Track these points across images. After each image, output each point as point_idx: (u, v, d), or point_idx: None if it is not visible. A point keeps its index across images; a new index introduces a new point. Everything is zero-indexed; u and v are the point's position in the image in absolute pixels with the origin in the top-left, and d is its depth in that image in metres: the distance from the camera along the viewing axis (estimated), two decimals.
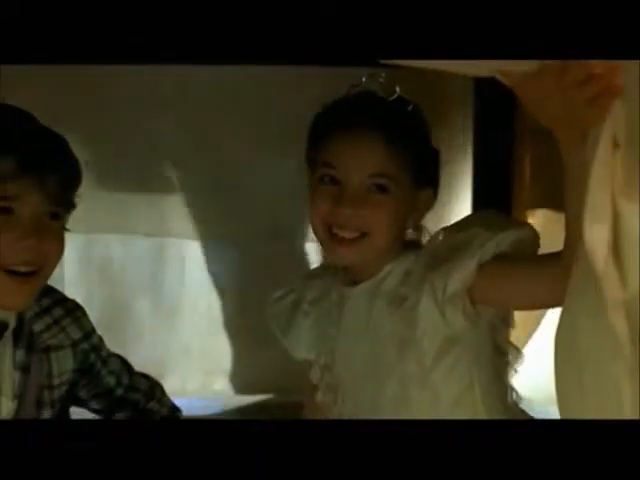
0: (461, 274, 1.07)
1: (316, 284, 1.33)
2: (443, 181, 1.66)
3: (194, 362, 2.17)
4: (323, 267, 1.36)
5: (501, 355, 1.20)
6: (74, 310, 1.33)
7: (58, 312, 1.31)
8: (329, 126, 1.15)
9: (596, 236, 0.87)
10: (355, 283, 1.22)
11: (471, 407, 1.20)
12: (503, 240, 1.04)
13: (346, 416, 1.30)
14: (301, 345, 1.35)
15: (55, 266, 1.23)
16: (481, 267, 1.06)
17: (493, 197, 2.00)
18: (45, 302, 1.29)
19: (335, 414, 1.31)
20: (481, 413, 1.19)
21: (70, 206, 1.26)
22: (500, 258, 1.05)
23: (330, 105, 1.18)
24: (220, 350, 2.21)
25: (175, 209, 2.14)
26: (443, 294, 1.09)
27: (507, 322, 1.19)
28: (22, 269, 1.16)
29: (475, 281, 1.07)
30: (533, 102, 0.94)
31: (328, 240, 1.18)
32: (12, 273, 1.16)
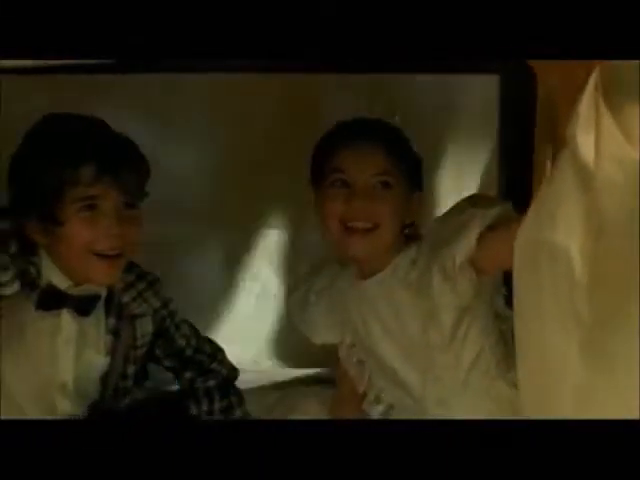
0: (466, 246, 1.27)
1: (321, 276, 1.53)
2: (470, 169, 1.87)
3: (246, 340, 2.15)
4: (325, 261, 1.53)
5: (502, 321, 1.41)
6: (154, 283, 1.52)
7: (141, 285, 1.50)
8: (335, 141, 1.36)
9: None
10: (365, 277, 1.42)
11: (485, 368, 1.40)
12: (492, 214, 1.25)
13: (375, 386, 1.49)
14: (318, 331, 1.53)
15: (135, 249, 1.40)
16: (479, 238, 1.26)
17: (516, 185, 2.06)
18: (130, 277, 1.49)
19: (365, 386, 1.50)
20: (492, 373, 1.40)
21: (143, 195, 1.40)
22: (492, 228, 1.25)
23: (334, 127, 1.39)
24: (270, 329, 2.23)
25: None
26: (453, 266, 1.30)
27: (501, 292, 1.40)
28: (109, 252, 1.36)
29: (476, 251, 1.27)
30: None
31: (343, 234, 1.37)
32: (101, 256, 1.36)
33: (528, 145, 1.68)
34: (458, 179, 2.06)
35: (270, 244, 2.22)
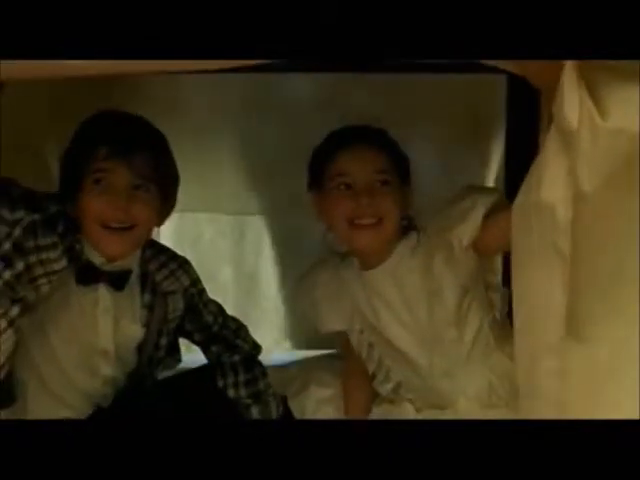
0: (471, 228, 1.38)
1: (324, 268, 1.62)
2: (477, 168, 1.92)
3: (268, 321, 2.21)
4: (327, 254, 1.62)
5: (497, 297, 1.55)
6: (184, 264, 1.63)
7: (173, 266, 1.61)
8: (334, 149, 1.47)
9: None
10: (370, 267, 1.52)
11: (485, 342, 1.52)
12: (492, 199, 1.37)
13: (384, 366, 1.59)
14: (324, 319, 1.62)
15: (147, 227, 1.50)
16: (482, 222, 1.38)
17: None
18: (163, 258, 1.60)
19: (375, 367, 1.61)
20: (491, 346, 1.52)
21: (156, 181, 1.47)
22: (492, 213, 1.37)
23: (328, 136, 1.50)
24: (291, 311, 2.24)
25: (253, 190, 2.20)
26: (460, 248, 1.42)
27: (494, 272, 1.53)
28: (114, 225, 1.45)
29: (480, 233, 1.39)
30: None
31: (351, 231, 1.47)
32: (110, 229, 1.45)
33: (535, 145, 1.67)
34: (464, 178, 2.02)
35: (291, 236, 2.25)
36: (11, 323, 1.41)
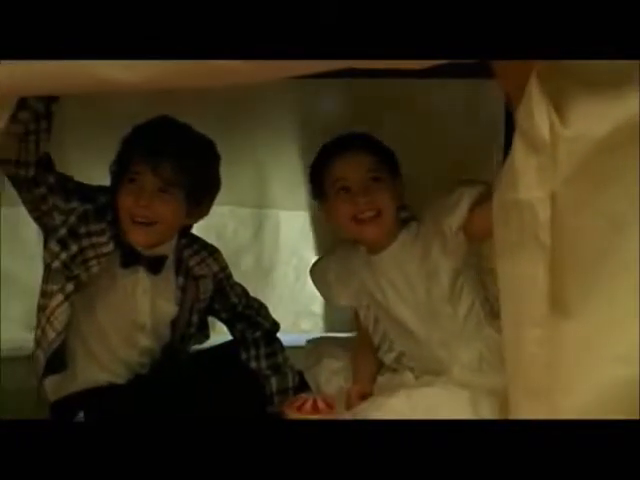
0: (459, 216, 1.55)
1: (337, 252, 1.81)
2: (476, 171, 2.00)
3: (284, 306, 2.25)
4: (339, 241, 1.80)
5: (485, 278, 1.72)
6: (214, 252, 1.80)
7: (204, 254, 1.78)
8: (329, 158, 1.65)
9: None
10: (376, 252, 1.70)
11: (476, 319, 1.69)
12: (478, 190, 1.54)
13: (388, 338, 1.77)
14: (335, 296, 1.82)
15: (170, 224, 1.66)
16: (470, 210, 1.54)
17: None
18: (195, 247, 1.77)
19: (380, 339, 1.79)
20: (482, 322, 1.69)
21: (181, 186, 1.59)
22: (478, 203, 1.53)
23: (322, 149, 1.67)
24: (306, 296, 2.31)
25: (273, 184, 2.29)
26: (450, 232, 1.59)
27: (486, 258, 1.68)
28: (139, 220, 1.62)
29: (468, 221, 1.55)
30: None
31: (356, 226, 1.66)
32: (136, 223, 1.62)
33: None
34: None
35: (305, 228, 2.35)
36: (67, 297, 1.60)
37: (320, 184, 1.72)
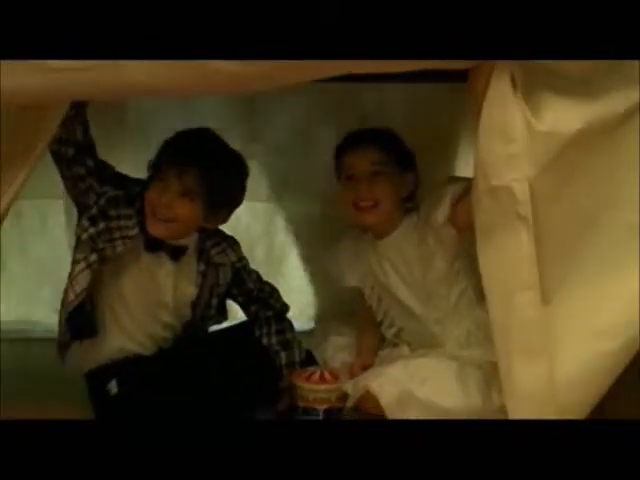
0: (443, 210, 1.71)
1: (347, 238, 1.96)
2: None
3: (294, 295, 2.26)
4: (349, 228, 1.96)
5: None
6: (233, 243, 1.94)
7: (224, 244, 1.92)
8: (343, 149, 1.82)
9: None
10: (380, 237, 1.85)
11: (468, 301, 1.85)
12: (459, 186, 1.68)
13: (389, 315, 1.92)
14: (345, 276, 1.98)
15: (187, 224, 1.76)
16: (453, 204, 1.69)
17: None
18: (216, 239, 1.91)
19: (382, 315, 1.94)
20: (473, 304, 1.84)
21: (200, 195, 1.70)
22: (462, 197, 1.67)
23: (343, 139, 1.84)
24: (314, 286, 2.45)
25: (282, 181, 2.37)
26: (438, 225, 1.74)
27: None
28: (160, 216, 1.73)
29: (452, 213, 1.70)
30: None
31: (356, 212, 1.82)
32: (155, 216, 1.75)
33: None
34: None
35: (314, 222, 2.42)
36: (89, 265, 1.76)
37: (338, 168, 1.88)
